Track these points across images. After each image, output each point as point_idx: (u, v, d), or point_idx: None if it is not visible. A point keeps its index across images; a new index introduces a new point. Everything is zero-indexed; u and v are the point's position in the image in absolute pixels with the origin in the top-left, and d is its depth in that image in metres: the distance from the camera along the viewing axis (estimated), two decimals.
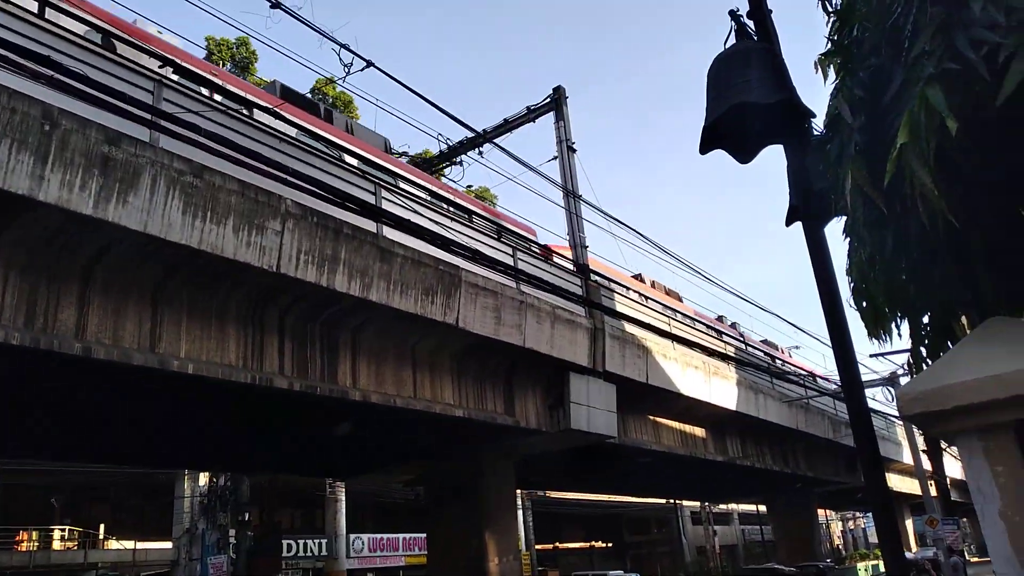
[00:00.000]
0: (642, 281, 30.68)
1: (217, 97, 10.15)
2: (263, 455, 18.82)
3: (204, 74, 12.15)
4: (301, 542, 28.31)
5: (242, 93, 12.33)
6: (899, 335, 4.00)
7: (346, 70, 9.29)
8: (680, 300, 31.32)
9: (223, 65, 28.46)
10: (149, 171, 8.61)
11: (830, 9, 3.89)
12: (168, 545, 26.51)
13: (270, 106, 12.45)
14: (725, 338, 24.74)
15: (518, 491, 30.16)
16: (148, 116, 7.18)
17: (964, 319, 4.49)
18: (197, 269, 9.70)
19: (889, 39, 3.14)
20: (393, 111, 44.02)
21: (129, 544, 27.96)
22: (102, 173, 8.17)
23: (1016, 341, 2.92)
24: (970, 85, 2.75)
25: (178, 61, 12.03)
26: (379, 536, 31.12)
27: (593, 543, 49.15)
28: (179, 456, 18.93)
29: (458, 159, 21.19)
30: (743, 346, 26.28)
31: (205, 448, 17.43)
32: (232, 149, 7.17)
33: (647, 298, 23.19)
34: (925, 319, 4.23)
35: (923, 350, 4.22)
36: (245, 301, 10.62)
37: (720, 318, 31.65)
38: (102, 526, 28.93)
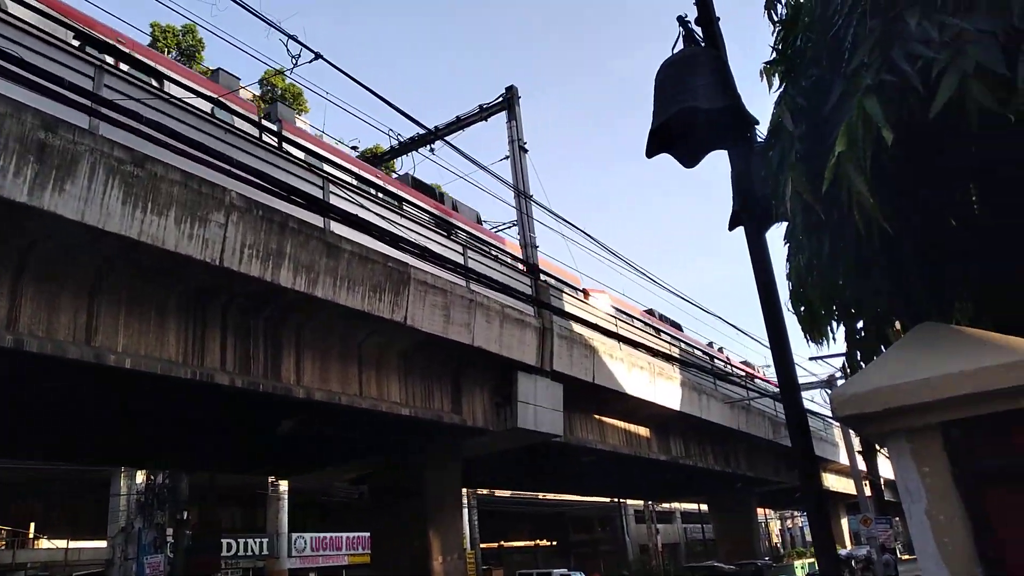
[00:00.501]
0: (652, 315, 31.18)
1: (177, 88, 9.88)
2: (204, 452, 18.42)
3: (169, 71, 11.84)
4: (241, 541, 27.77)
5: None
6: (834, 339, 4.12)
7: (293, 61, 9.14)
8: (680, 329, 31.96)
9: (168, 53, 27.75)
10: (88, 159, 8.35)
11: (775, 19, 3.97)
12: (103, 544, 25.72)
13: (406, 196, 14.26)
14: (667, 339, 25.05)
15: (464, 490, 30.13)
16: (87, 102, 6.96)
17: (898, 324, 4.64)
18: (137, 261, 9.45)
19: (830, 50, 3.22)
20: (343, 105, 43.50)
21: (61, 543, 27.02)
22: (38, 160, 7.90)
23: (944, 346, 3.02)
24: (905, 97, 2.84)
25: (124, 49, 11.70)
26: (322, 535, 30.72)
27: (538, 542, 49.35)
28: (116, 452, 18.39)
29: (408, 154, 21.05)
30: (684, 345, 26.65)
31: (143, 444, 16.97)
32: (175, 139, 7.00)
33: (633, 317, 23.51)
34: (860, 324, 4.36)
35: (858, 354, 4.35)
36: (186, 295, 10.38)
37: (650, 311, 31.74)
38: (32, 524, 27.92)
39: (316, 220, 10.97)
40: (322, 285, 11.03)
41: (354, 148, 25.82)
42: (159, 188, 9.03)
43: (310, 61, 8.55)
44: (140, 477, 24.94)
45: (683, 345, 24.70)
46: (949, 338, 3.06)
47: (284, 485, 28.50)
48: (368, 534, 21.36)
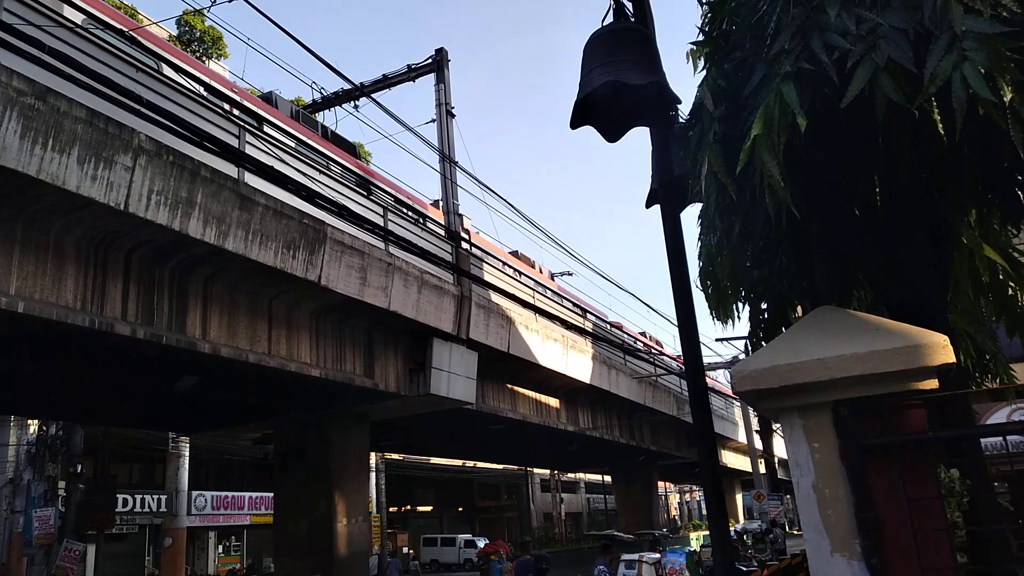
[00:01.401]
0: (525, 261, 30.71)
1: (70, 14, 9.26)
2: (101, 405, 17.71)
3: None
4: (138, 497, 26.99)
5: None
6: (739, 318, 4.25)
7: (212, 1, 8.70)
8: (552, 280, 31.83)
9: None
10: None
11: (703, 1, 4.02)
12: None
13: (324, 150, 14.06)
14: (583, 313, 25.43)
15: (372, 454, 29.98)
16: None
17: (799, 308, 4.82)
18: (35, 199, 8.92)
19: (754, 35, 3.27)
20: (265, 52, 41.87)
21: None
22: None
23: (840, 329, 3.14)
24: (821, 86, 2.92)
25: None
26: (223, 494, 30.15)
27: (444, 508, 49.76)
28: (4, 401, 17.48)
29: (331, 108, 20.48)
30: (595, 319, 27.08)
31: (34, 394, 16.19)
32: (81, 72, 6.59)
33: (521, 274, 23.45)
34: (765, 305, 4.51)
35: (761, 334, 4.51)
36: (88, 239, 9.89)
37: (515, 252, 31.36)
38: None
39: (230, 170, 10.59)
40: (233, 238, 10.69)
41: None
42: (62, 124, 8.53)
43: (230, 0, 8.16)
44: (32, 428, 23.84)
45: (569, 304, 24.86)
46: (845, 322, 3.18)
47: (186, 442, 27.80)
48: (271, 494, 21.07)
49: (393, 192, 17.28)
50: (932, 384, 2.90)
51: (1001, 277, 4.35)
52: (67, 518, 22.30)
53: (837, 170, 3.48)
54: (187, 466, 28.19)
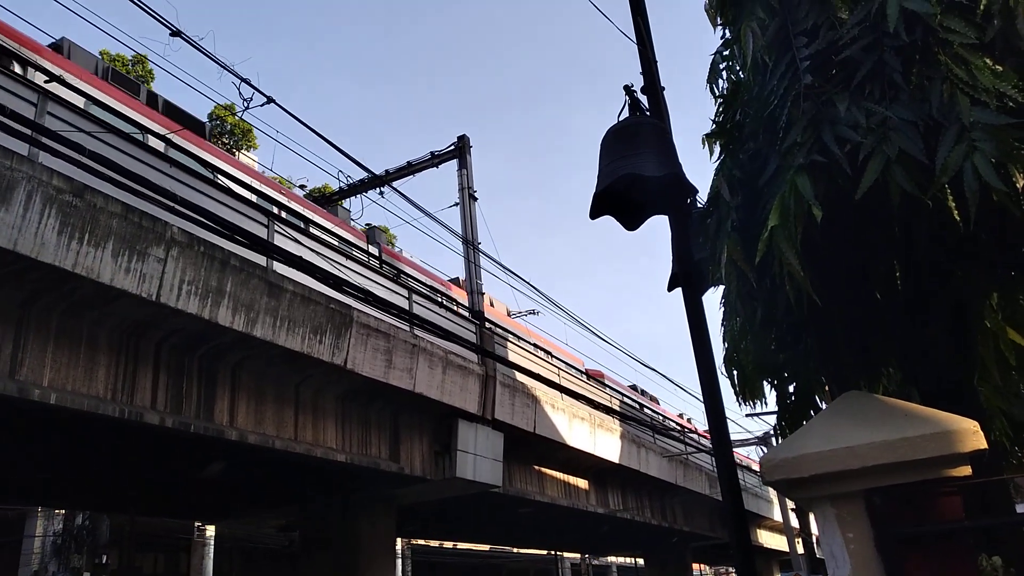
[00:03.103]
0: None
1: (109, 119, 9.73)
2: (127, 493, 17.69)
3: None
4: None
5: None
6: (765, 403, 4.23)
7: (245, 104, 9.14)
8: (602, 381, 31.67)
9: None
10: (24, 187, 8.14)
11: (716, 93, 4.16)
12: None
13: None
14: (609, 392, 25.19)
15: (398, 539, 29.43)
16: (28, 131, 6.82)
17: (827, 388, 4.79)
18: (69, 293, 9.17)
19: (766, 127, 3.38)
20: (293, 144, 43.39)
21: None
22: None
23: (868, 415, 3.13)
24: (834, 177, 3.00)
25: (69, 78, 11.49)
26: None
27: None
28: (33, 491, 17.52)
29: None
30: (623, 397, 26.84)
31: (62, 483, 16.23)
32: (117, 172, 6.89)
33: (553, 356, 23.43)
34: (792, 387, 4.49)
35: (788, 417, 4.47)
36: (119, 330, 10.09)
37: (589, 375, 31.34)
38: None
39: (259, 259, 10.84)
40: (261, 325, 10.84)
41: (302, 187, 25.68)
42: (97, 220, 8.84)
43: (262, 105, 8.56)
44: (58, 518, 23.75)
45: (626, 399, 24.76)
46: (874, 407, 3.17)
47: (211, 530, 27.49)
48: None
49: (420, 275, 17.52)
50: (965, 471, 2.86)
51: None
52: None
53: (856, 256, 3.52)
54: (212, 555, 27.79)
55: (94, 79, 12.60)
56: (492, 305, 28.63)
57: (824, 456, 2.93)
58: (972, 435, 2.81)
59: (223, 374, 11.54)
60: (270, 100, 8.58)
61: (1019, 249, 3.44)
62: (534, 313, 33.13)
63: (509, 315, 30.18)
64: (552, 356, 22.28)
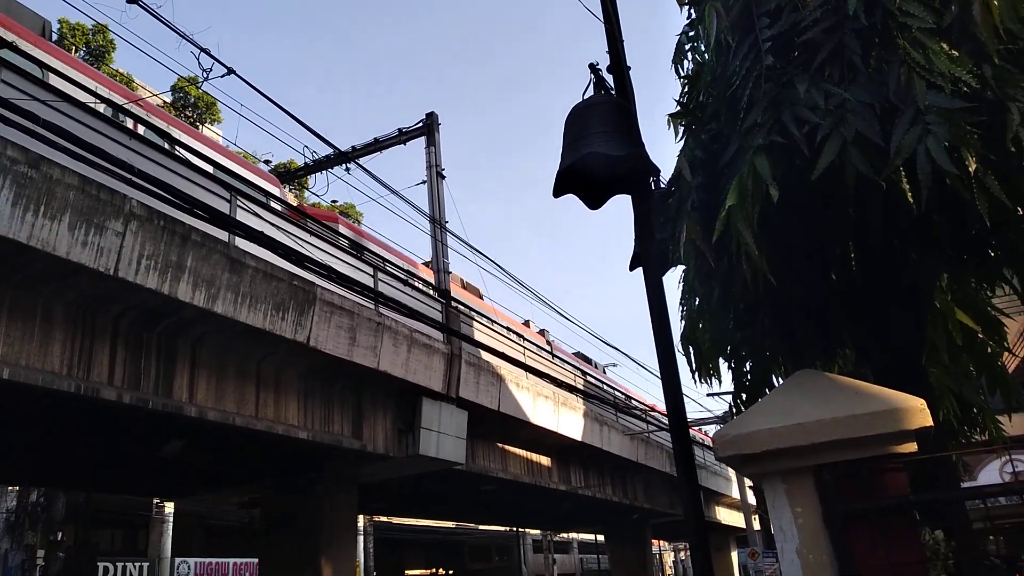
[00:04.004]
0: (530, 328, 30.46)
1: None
2: (84, 470, 17.41)
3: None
4: (120, 565, 26.27)
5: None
6: (720, 381, 4.29)
7: (205, 74, 8.92)
8: (480, 297, 31.32)
9: (75, 52, 26.55)
10: None
11: (682, 74, 4.17)
12: None
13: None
14: (572, 371, 25.34)
15: (360, 516, 29.44)
16: None
17: (782, 368, 4.88)
18: (23, 266, 8.95)
19: (728, 108, 3.41)
20: (257, 120, 42.63)
21: None
22: None
23: (819, 393, 3.18)
24: (793, 158, 3.03)
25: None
26: (207, 560, 29.39)
27: (435, 570, 48.65)
28: None
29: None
30: (589, 377, 27.02)
31: (14, 459, 15.92)
32: (74, 143, 6.72)
33: (522, 337, 23.42)
34: (748, 366, 4.56)
35: (744, 395, 4.55)
36: (76, 304, 9.88)
37: (527, 322, 31.19)
38: None
39: (221, 233, 10.67)
40: (223, 301, 10.70)
41: (267, 162, 25.26)
42: (54, 192, 8.61)
43: (222, 76, 8.38)
44: (11, 495, 23.34)
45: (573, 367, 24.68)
46: (825, 385, 3.23)
47: (169, 507, 27.24)
48: (256, 560, 20.58)
49: (386, 253, 17.39)
50: (911, 447, 2.94)
51: (981, 336, 4.43)
52: None
53: (812, 237, 3.57)
54: (171, 532, 27.57)
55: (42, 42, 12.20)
56: (465, 288, 28.53)
57: (775, 432, 2.98)
58: (918, 413, 2.87)
59: (183, 350, 11.38)
60: (230, 71, 8.41)
61: (969, 232, 3.51)
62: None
63: (465, 287, 30.10)
64: (519, 336, 22.35)
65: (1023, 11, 3.00)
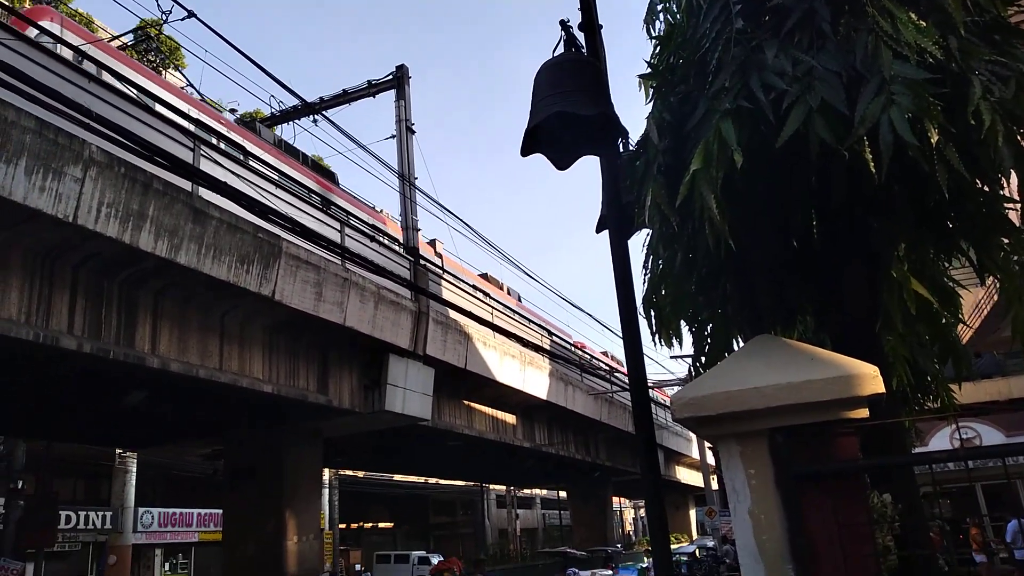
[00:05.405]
0: (495, 284, 30.22)
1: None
2: (45, 420, 17.22)
3: None
4: (82, 514, 26.21)
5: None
6: (680, 345, 4.34)
7: (164, 17, 8.62)
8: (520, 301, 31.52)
9: None
10: None
11: (653, 34, 4.13)
12: None
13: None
14: (538, 330, 25.50)
15: (325, 470, 29.57)
16: None
17: (740, 334, 4.94)
18: None
19: (697, 70, 3.38)
20: (221, 66, 41.53)
21: None
22: None
23: (777, 358, 3.23)
24: (758, 124, 3.02)
25: None
26: (171, 511, 29.42)
27: (398, 524, 49.26)
28: None
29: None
30: (559, 339, 27.22)
31: None
32: (30, 85, 6.48)
33: (487, 295, 23.41)
34: (708, 330, 4.62)
35: (704, 360, 4.61)
36: (33, 251, 9.67)
37: (485, 275, 30.83)
38: None
39: (184, 183, 10.46)
40: (186, 251, 10.54)
41: (232, 111, 24.68)
42: (9, 134, 8.36)
43: (182, 19, 8.11)
44: None
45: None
46: (782, 351, 3.27)
47: (133, 457, 27.13)
48: (221, 511, 20.64)
49: (358, 211, 17.20)
50: (863, 413, 2.99)
51: (936, 306, 4.51)
52: (5, 536, 21.58)
53: (776, 204, 3.59)
54: (134, 482, 27.50)
55: (271, 148, 12.88)
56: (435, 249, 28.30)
57: (732, 395, 3.02)
58: (871, 380, 2.93)
59: (145, 301, 11.22)
60: (191, 14, 8.14)
61: (929, 204, 3.55)
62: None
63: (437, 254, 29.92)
64: (486, 295, 22.37)
65: None
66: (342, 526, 38.44)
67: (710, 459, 32.28)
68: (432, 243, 25.48)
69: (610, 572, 18.58)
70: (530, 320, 23.88)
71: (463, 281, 19.77)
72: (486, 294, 22.51)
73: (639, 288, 4.16)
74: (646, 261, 4.16)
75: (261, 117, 20.70)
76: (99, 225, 9.36)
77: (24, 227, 9.18)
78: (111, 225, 9.49)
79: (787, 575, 2.97)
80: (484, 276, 29.05)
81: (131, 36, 25.30)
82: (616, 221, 3.95)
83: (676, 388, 31.25)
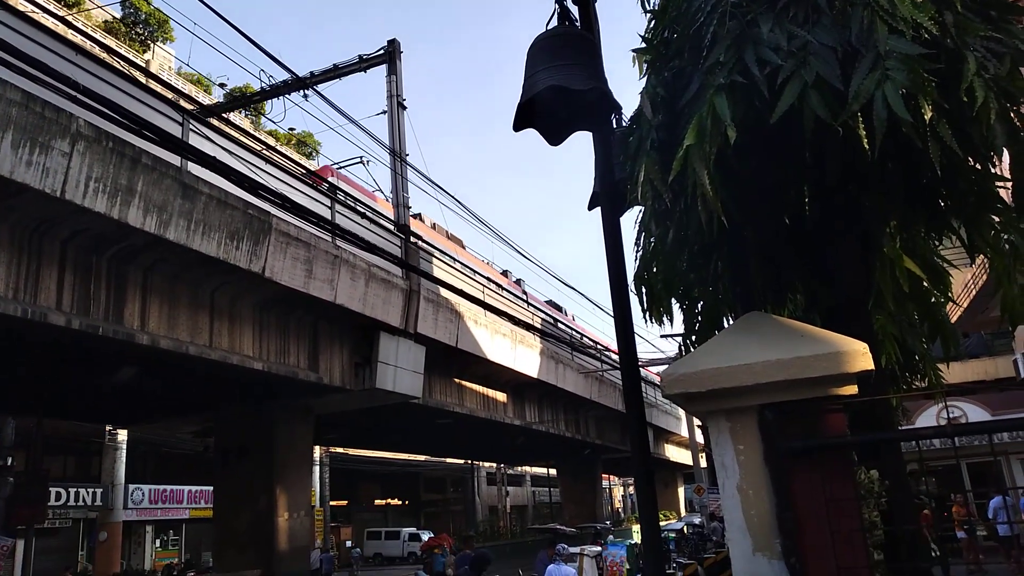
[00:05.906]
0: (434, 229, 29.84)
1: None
2: (35, 396, 17.17)
3: None
4: (73, 490, 26.23)
5: None
6: (671, 322, 4.34)
7: None
8: (463, 247, 31.19)
9: None
10: None
11: (648, 8, 4.09)
12: None
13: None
14: (531, 309, 25.53)
15: (316, 447, 29.62)
16: None
17: (732, 312, 4.95)
18: None
19: (692, 45, 3.35)
20: (211, 39, 41.02)
21: None
22: None
23: (766, 335, 3.23)
24: (752, 99, 3.00)
25: None
26: (161, 487, 29.48)
27: (389, 501, 49.55)
28: None
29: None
30: (532, 307, 27.10)
31: None
32: (14, 55, 6.38)
33: (461, 264, 23.34)
34: (699, 307, 4.62)
35: (694, 337, 4.61)
36: (21, 226, 9.58)
37: (505, 272, 30.81)
38: None
39: (173, 158, 10.37)
40: (175, 227, 10.46)
41: (222, 86, 24.45)
42: None
43: None
44: None
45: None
46: (772, 328, 3.28)
47: (123, 434, 27.12)
48: (211, 488, 20.68)
49: (352, 189, 17.09)
50: (852, 389, 3.00)
51: (926, 285, 4.53)
52: None
53: (769, 180, 3.58)
54: (124, 459, 27.52)
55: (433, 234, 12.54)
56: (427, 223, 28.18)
57: (721, 372, 3.02)
58: (860, 357, 2.94)
59: (134, 277, 11.16)
60: None
61: (921, 181, 3.55)
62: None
63: (450, 237, 29.86)
64: (477, 274, 22.34)
65: None
66: (332, 503, 38.62)
67: (699, 437, 32.54)
68: (418, 216, 25.38)
69: (599, 548, 18.72)
70: (535, 306, 23.86)
71: (429, 244, 19.60)
72: (448, 255, 22.35)
73: (631, 266, 4.15)
74: (638, 238, 4.15)
75: (251, 92, 20.48)
76: (87, 200, 9.27)
77: (11, 202, 9.09)
78: (99, 200, 9.41)
79: (775, 549, 2.99)
80: (449, 236, 28.95)
81: (118, 8, 24.99)
82: (608, 197, 3.94)
83: (666, 367, 31.41)
